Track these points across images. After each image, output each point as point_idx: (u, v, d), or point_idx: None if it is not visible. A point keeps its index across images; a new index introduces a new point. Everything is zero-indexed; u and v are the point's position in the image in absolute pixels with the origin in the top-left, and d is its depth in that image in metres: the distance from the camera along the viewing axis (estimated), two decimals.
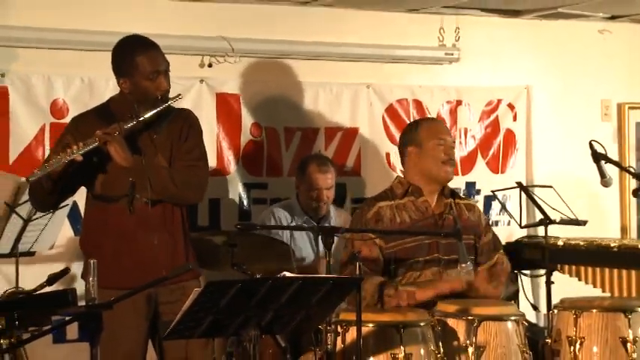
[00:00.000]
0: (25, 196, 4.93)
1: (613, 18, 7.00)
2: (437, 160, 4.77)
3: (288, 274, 3.78)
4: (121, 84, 4.60)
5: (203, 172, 4.67)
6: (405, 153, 4.87)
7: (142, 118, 4.47)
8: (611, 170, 5.18)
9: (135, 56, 4.53)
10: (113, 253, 4.50)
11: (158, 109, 4.50)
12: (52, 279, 4.32)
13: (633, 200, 6.85)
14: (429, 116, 6.46)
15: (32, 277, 5.01)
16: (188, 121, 4.69)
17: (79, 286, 4.57)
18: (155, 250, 4.50)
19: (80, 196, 5.43)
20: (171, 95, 4.57)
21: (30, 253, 5.27)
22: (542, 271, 5.38)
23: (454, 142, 4.94)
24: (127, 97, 4.56)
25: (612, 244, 5.41)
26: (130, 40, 4.64)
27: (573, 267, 5.44)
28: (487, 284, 4.75)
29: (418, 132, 4.85)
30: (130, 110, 4.50)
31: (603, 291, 5.29)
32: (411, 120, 6.37)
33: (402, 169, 4.96)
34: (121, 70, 4.58)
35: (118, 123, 4.45)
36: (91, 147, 4.38)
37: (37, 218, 5.07)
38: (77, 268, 5.32)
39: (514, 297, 5.60)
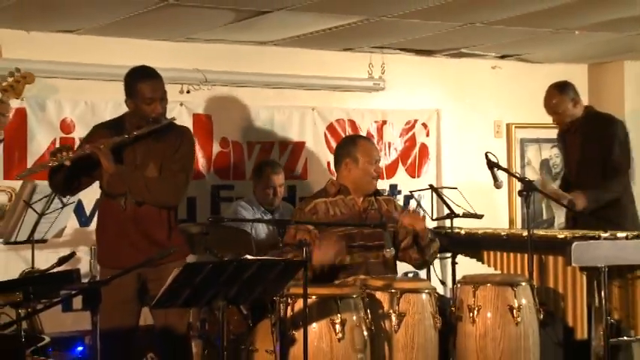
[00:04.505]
0: (39, 195, 4.88)
1: (503, 57, 7.06)
2: (367, 174, 4.75)
3: (249, 257, 3.76)
4: (127, 103, 4.52)
5: (181, 181, 4.52)
6: (342, 162, 4.82)
7: (130, 136, 4.41)
8: (502, 175, 5.21)
9: (138, 83, 4.45)
10: (113, 240, 4.45)
11: (147, 130, 4.42)
12: (61, 261, 4.27)
13: (518, 199, 6.90)
14: (363, 135, 6.38)
15: (45, 259, 4.99)
16: (183, 137, 4.57)
17: (83, 267, 4.54)
18: (143, 240, 4.43)
19: (84, 195, 5.39)
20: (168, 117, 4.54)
21: (43, 241, 5.20)
22: (449, 255, 5.39)
23: (380, 159, 4.93)
24: (132, 114, 4.51)
25: (502, 233, 5.42)
26: (137, 69, 4.54)
27: (473, 251, 5.45)
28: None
29: (356, 149, 4.79)
30: (130, 126, 4.44)
31: (495, 269, 5.30)
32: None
33: (336, 172, 4.92)
34: (127, 93, 4.50)
35: (107, 138, 4.38)
36: (79, 155, 4.31)
37: (49, 213, 5.00)
38: (81, 252, 5.26)
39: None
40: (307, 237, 4.39)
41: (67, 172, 4.37)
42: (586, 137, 5.55)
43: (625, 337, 5.04)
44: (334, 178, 4.89)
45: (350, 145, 4.86)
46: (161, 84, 4.50)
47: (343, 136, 6.43)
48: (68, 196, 4.95)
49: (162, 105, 4.49)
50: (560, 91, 5.58)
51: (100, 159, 4.31)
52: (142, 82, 4.44)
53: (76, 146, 4.78)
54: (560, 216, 7.09)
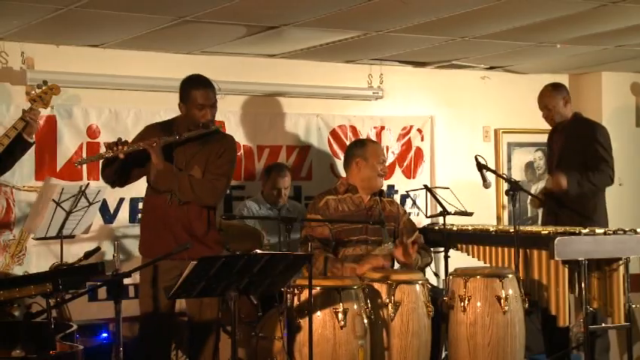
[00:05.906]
0: (67, 195, 4.88)
1: (491, 68, 7.05)
2: (375, 172, 4.84)
3: (259, 251, 3.76)
4: (180, 107, 4.52)
5: (221, 185, 4.51)
6: (352, 162, 4.91)
7: (180, 137, 4.41)
8: (490, 176, 5.21)
9: (192, 90, 4.45)
10: (157, 232, 4.44)
11: (196, 133, 4.43)
12: (87, 255, 4.25)
13: (505, 197, 6.87)
14: (371, 139, 6.34)
15: (72, 253, 4.99)
16: (227, 145, 4.57)
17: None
18: (184, 234, 4.41)
19: (108, 195, 5.39)
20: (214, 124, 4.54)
21: (71, 236, 5.18)
22: (442, 249, 5.38)
23: (386, 159, 5.01)
24: (183, 117, 4.51)
25: (491, 229, 5.42)
26: (193, 77, 4.56)
27: (464, 245, 5.44)
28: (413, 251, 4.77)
29: (366, 149, 4.92)
30: (179, 129, 4.44)
31: (484, 263, 5.30)
32: (348, 140, 6.37)
33: (345, 172, 5.00)
34: (181, 97, 4.52)
35: (159, 137, 4.38)
36: (133, 150, 4.33)
37: (76, 211, 4.99)
38: (106, 247, 5.25)
39: (427, 265, 5.59)
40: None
41: (120, 165, 4.39)
42: (569, 136, 5.62)
43: (603, 325, 5.03)
44: (344, 178, 4.96)
45: (360, 146, 5.00)
46: (213, 93, 4.50)
47: (345, 140, 6.45)
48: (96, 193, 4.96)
49: (212, 112, 4.50)
50: (554, 88, 5.71)
51: (151, 155, 4.32)
52: (196, 89, 4.45)
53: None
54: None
